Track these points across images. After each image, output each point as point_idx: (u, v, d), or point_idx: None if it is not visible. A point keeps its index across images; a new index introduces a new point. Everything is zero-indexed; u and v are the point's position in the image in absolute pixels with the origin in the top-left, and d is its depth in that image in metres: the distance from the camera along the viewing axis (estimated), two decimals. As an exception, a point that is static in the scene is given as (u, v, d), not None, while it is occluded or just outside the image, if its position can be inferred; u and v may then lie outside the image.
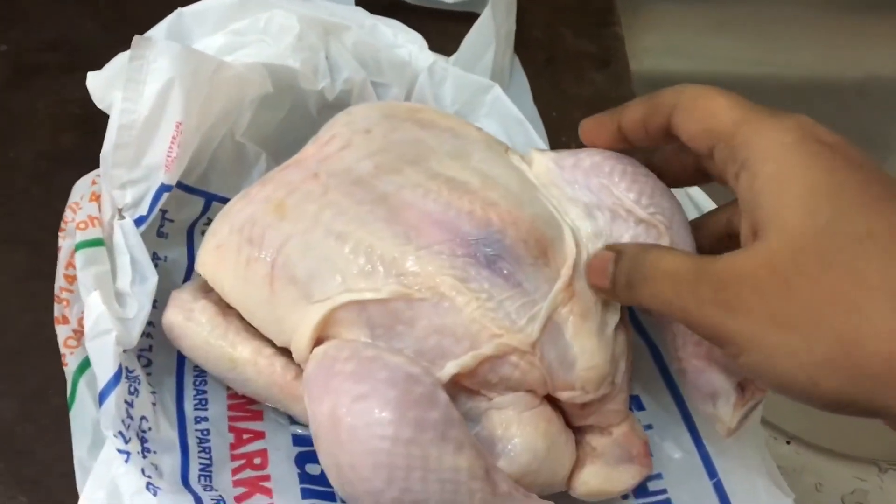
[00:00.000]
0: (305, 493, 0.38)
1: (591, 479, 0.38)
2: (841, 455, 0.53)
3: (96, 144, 0.40)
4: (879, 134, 0.79)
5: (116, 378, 0.36)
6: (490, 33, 0.53)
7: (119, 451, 0.34)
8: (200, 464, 0.38)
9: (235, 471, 0.38)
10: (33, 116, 0.53)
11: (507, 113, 0.49)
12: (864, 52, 0.79)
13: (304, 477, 0.39)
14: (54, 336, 0.39)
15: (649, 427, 0.42)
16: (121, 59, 0.41)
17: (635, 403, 0.43)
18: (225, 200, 0.43)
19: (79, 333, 0.39)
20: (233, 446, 0.39)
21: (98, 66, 0.42)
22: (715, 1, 0.77)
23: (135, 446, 0.35)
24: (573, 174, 0.39)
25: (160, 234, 0.43)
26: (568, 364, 0.36)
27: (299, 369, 0.37)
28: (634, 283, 0.34)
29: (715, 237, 0.39)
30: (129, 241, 0.39)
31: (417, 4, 0.59)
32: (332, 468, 0.33)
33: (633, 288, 0.34)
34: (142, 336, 0.38)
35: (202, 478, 0.37)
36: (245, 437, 0.40)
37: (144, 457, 0.35)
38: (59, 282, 0.40)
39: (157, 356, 0.41)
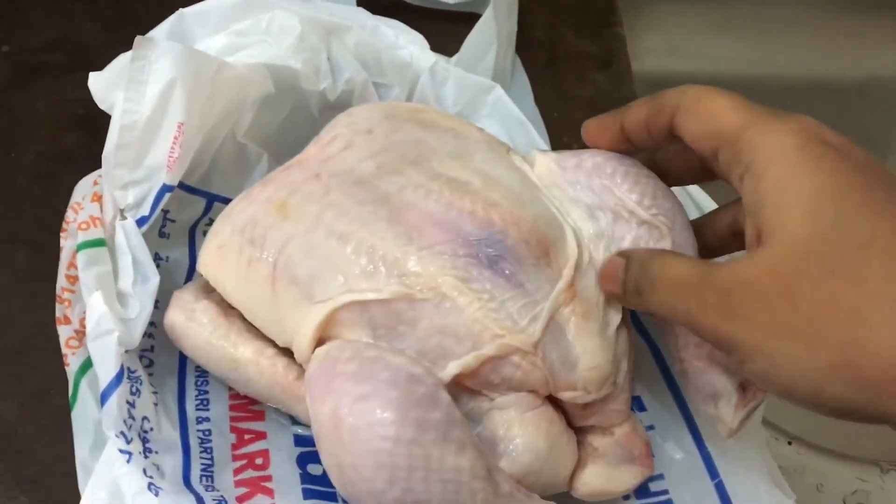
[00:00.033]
0: (307, 494, 0.38)
1: (592, 479, 0.38)
2: (842, 456, 0.53)
3: (98, 145, 0.40)
4: (880, 134, 0.79)
5: (118, 378, 0.36)
6: (492, 34, 0.53)
7: (121, 451, 0.34)
8: (202, 464, 0.38)
9: (237, 471, 0.38)
10: (35, 117, 0.53)
11: (509, 113, 0.49)
12: (865, 53, 0.79)
13: (306, 477, 0.39)
14: (55, 336, 0.39)
15: (651, 428, 0.42)
16: (122, 59, 0.41)
17: (637, 404, 0.43)
18: (226, 201, 0.43)
19: (80, 334, 0.39)
20: (234, 447, 0.39)
21: (99, 66, 0.42)
22: (716, 1, 0.77)
23: (136, 446, 0.35)
24: (575, 175, 0.39)
25: (162, 235, 0.44)
26: (570, 364, 0.36)
27: (301, 370, 0.37)
28: (643, 289, 0.34)
29: (720, 236, 0.39)
30: (130, 242, 0.39)
31: (419, 5, 0.59)
32: (334, 468, 0.33)
33: (641, 294, 0.34)
34: (143, 336, 0.38)
35: (204, 478, 0.37)
36: (247, 437, 0.40)
37: (146, 457, 0.35)
38: (61, 282, 0.40)
39: (158, 356, 0.41)
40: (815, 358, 0.28)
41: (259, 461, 0.39)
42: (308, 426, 0.38)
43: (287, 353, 0.38)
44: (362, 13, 0.49)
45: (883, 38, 0.78)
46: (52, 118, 0.53)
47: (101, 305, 0.36)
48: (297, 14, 0.45)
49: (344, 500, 0.38)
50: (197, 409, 0.40)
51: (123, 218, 0.40)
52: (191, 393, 0.41)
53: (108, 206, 0.40)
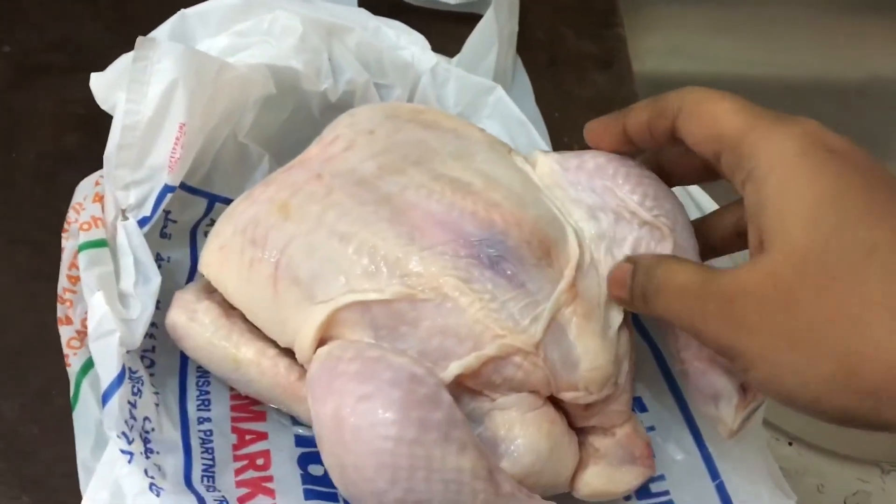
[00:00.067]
0: (308, 494, 0.38)
1: (593, 479, 0.38)
2: (843, 456, 0.53)
3: (99, 145, 0.40)
4: (881, 134, 0.79)
5: (120, 379, 0.36)
6: (493, 34, 0.53)
7: (122, 451, 0.34)
8: (203, 464, 0.38)
9: (238, 471, 0.38)
10: (36, 117, 0.53)
11: (510, 114, 0.50)
12: (866, 53, 0.79)
13: (307, 478, 0.39)
14: (57, 337, 0.39)
15: (652, 429, 0.42)
16: (124, 60, 0.41)
17: (638, 405, 0.43)
18: (228, 201, 0.43)
19: (82, 334, 0.39)
20: (236, 447, 0.39)
21: (101, 66, 0.42)
22: (717, 2, 0.77)
23: (138, 447, 0.35)
24: (577, 176, 0.39)
25: (163, 235, 0.44)
26: (571, 364, 0.36)
27: (303, 370, 0.37)
28: (648, 295, 0.34)
29: (725, 235, 0.39)
30: (132, 242, 0.39)
31: (420, 5, 0.59)
32: (336, 468, 0.33)
33: (647, 300, 0.34)
34: (145, 337, 0.38)
35: (205, 478, 0.37)
36: (248, 437, 0.40)
37: (147, 457, 0.35)
38: (63, 283, 0.40)
39: (160, 357, 0.41)
40: (816, 367, 0.28)
41: (260, 462, 0.39)
42: (309, 427, 0.38)
43: (289, 353, 0.38)
44: (364, 14, 0.49)
45: (883, 38, 0.79)
46: (54, 118, 0.53)
47: (102, 306, 0.36)
48: (299, 15, 0.45)
49: (345, 501, 0.38)
50: (198, 410, 0.40)
51: (125, 218, 0.40)
52: (192, 393, 0.41)
53: (109, 207, 0.40)
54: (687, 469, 0.41)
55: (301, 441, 0.40)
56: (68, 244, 0.41)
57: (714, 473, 0.40)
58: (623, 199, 0.38)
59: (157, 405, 0.38)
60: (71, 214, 0.41)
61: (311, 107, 0.47)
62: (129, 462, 0.34)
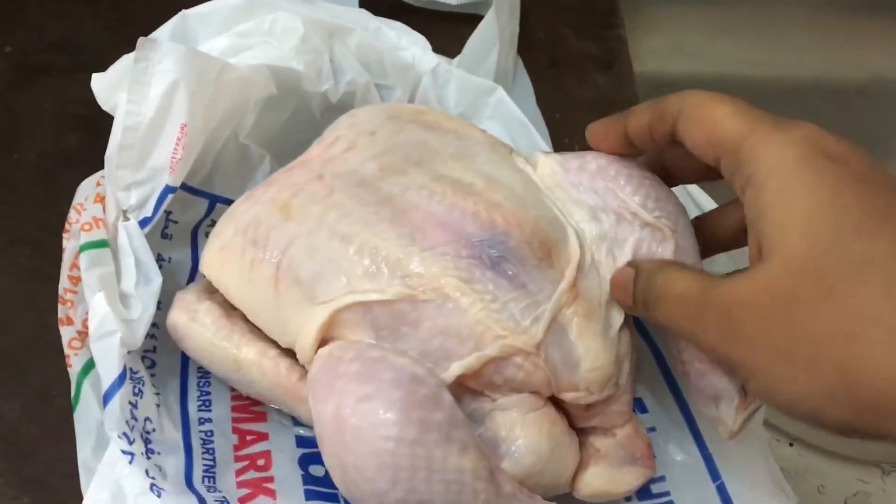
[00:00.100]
0: (309, 495, 0.38)
1: (594, 480, 0.38)
2: (844, 457, 0.53)
3: (100, 146, 0.40)
4: (881, 134, 0.79)
5: (121, 379, 0.36)
6: (494, 35, 0.53)
7: (123, 452, 0.34)
8: (204, 465, 0.38)
9: (239, 472, 0.38)
10: (37, 117, 0.53)
11: (511, 115, 0.50)
12: (867, 54, 0.79)
13: (308, 478, 0.39)
14: (57, 337, 0.39)
15: (652, 430, 0.42)
16: (125, 60, 0.41)
17: (638, 406, 0.43)
18: (229, 202, 0.43)
19: (83, 335, 0.39)
20: (236, 447, 0.39)
21: (102, 67, 0.42)
22: (718, 3, 0.77)
23: (139, 447, 0.35)
24: (578, 177, 0.39)
25: (164, 236, 0.44)
26: (572, 365, 0.36)
27: (304, 371, 0.37)
28: (649, 302, 0.34)
29: (730, 231, 0.39)
30: (133, 243, 0.39)
31: (421, 6, 0.59)
32: (337, 469, 0.33)
33: (648, 308, 0.34)
34: (146, 337, 0.38)
35: (206, 479, 0.37)
36: (249, 438, 0.40)
37: (148, 458, 0.35)
38: (64, 283, 0.40)
39: (161, 357, 0.41)
40: (813, 381, 0.28)
41: (261, 462, 0.39)
42: (310, 427, 0.38)
43: (290, 354, 0.38)
44: (364, 15, 0.49)
45: (885, 39, 0.79)
46: (55, 119, 0.53)
47: (103, 306, 0.36)
48: (300, 15, 0.45)
49: (346, 501, 0.38)
50: (199, 410, 0.40)
51: (126, 219, 0.40)
52: (193, 394, 0.41)
53: (110, 207, 0.40)
54: (687, 470, 0.41)
55: (302, 442, 0.40)
56: (69, 244, 0.41)
57: (715, 474, 0.40)
58: (625, 200, 0.38)
59: (158, 406, 0.38)
60: (72, 215, 0.41)
61: (311, 108, 0.47)
62: (130, 462, 0.34)
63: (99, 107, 0.42)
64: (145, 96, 0.40)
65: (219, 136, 0.44)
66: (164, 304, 0.40)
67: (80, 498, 0.35)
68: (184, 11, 0.45)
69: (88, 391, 0.38)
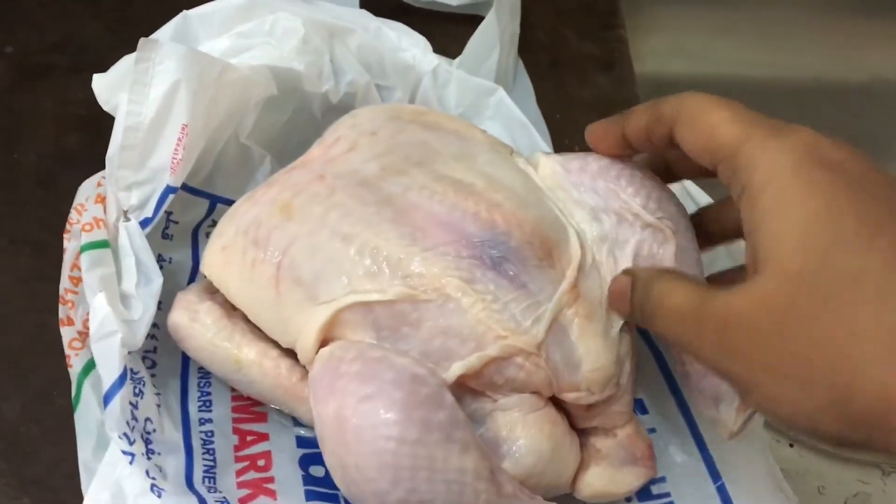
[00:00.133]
0: (309, 495, 0.38)
1: (595, 480, 0.38)
2: (844, 458, 0.53)
3: (101, 146, 0.40)
4: (881, 135, 0.79)
5: (121, 380, 0.36)
6: (494, 36, 0.53)
7: (123, 452, 0.34)
8: (204, 465, 0.38)
9: (239, 472, 0.38)
10: (38, 118, 0.53)
11: (511, 115, 0.50)
12: (869, 55, 0.79)
13: (308, 479, 0.39)
14: (58, 337, 0.39)
15: (653, 431, 0.42)
16: (126, 61, 0.41)
17: (639, 407, 0.43)
18: (230, 202, 0.43)
19: (84, 335, 0.39)
20: (237, 448, 0.39)
21: (103, 67, 0.42)
22: (719, 3, 0.77)
23: (139, 448, 0.35)
24: (579, 177, 0.39)
25: (165, 236, 0.44)
26: (573, 365, 0.36)
27: (305, 371, 0.37)
28: (646, 313, 0.34)
29: (733, 224, 0.38)
30: (134, 243, 0.39)
31: (421, 7, 0.59)
32: (338, 469, 0.33)
33: (646, 318, 0.34)
34: (147, 338, 0.38)
35: (206, 479, 0.37)
36: (249, 438, 0.40)
37: (149, 458, 0.35)
38: (64, 283, 0.40)
39: (161, 358, 0.41)
40: (808, 397, 0.28)
41: (261, 462, 0.39)
42: (310, 428, 0.38)
43: (291, 354, 0.38)
44: (365, 15, 0.49)
45: (886, 39, 0.78)
46: (56, 119, 0.53)
47: (104, 307, 0.36)
48: (301, 16, 0.45)
49: (347, 502, 0.38)
50: (200, 411, 0.40)
51: (127, 219, 0.40)
52: (193, 394, 0.41)
53: (111, 208, 0.40)
54: (688, 471, 0.41)
55: (302, 442, 0.40)
56: (70, 245, 0.41)
57: (715, 475, 0.40)
58: (626, 201, 0.38)
59: (158, 406, 0.38)
60: (73, 215, 0.41)
61: (312, 108, 0.47)
62: (131, 463, 0.34)
63: (100, 107, 0.42)
64: (146, 97, 0.40)
65: (220, 136, 0.44)
66: (164, 305, 0.40)
67: (81, 498, 0.35)
68: (185, 12, 0.45)
69: (89, 391, 0.38)
